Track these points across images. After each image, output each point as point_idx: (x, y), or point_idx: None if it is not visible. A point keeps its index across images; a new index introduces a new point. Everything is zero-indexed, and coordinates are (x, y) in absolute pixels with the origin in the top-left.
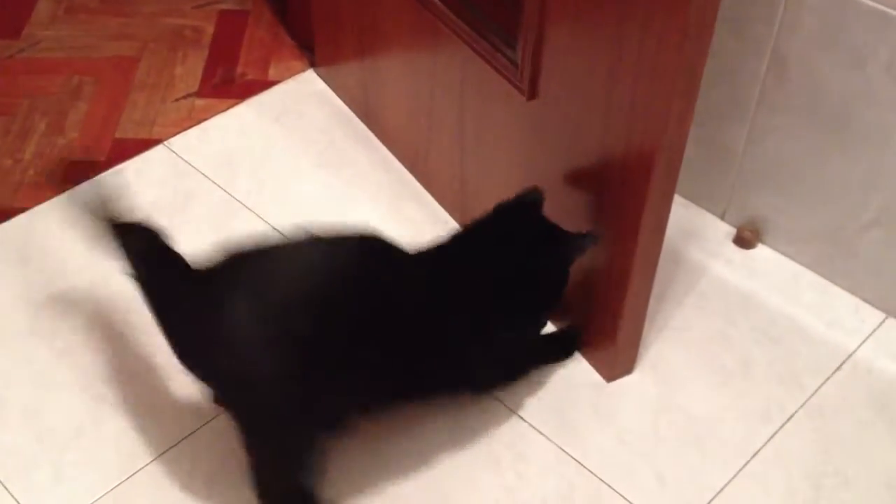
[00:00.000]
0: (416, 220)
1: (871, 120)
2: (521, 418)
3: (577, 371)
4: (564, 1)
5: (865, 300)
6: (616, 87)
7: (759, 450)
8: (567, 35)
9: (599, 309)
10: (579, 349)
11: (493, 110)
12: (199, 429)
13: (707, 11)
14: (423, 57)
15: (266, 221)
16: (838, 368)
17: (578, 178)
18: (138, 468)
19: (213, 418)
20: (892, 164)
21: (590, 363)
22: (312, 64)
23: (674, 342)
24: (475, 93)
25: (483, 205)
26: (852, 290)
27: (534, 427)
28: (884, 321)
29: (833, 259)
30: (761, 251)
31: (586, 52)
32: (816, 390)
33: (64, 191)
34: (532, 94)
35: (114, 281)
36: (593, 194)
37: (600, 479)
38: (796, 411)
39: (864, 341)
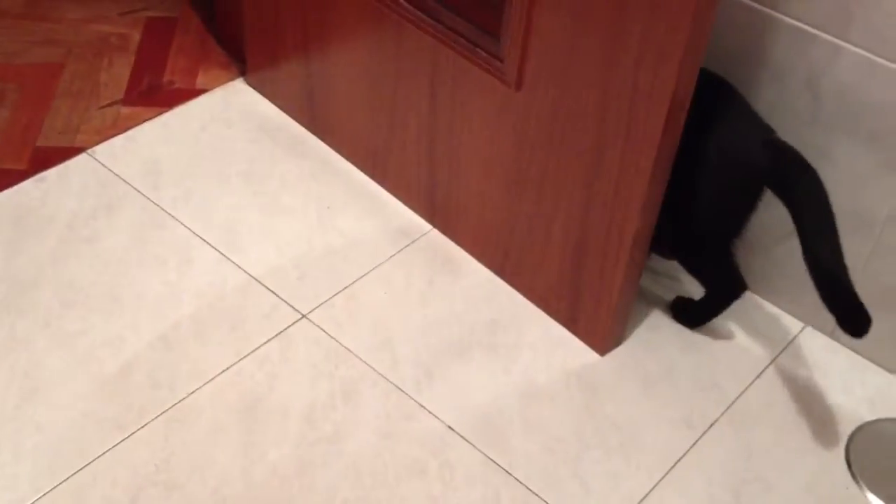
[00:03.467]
0: (345, 232)
1: (789, 134)
2: (448, 427)
3: (504, 379)
4: None
5: (784, 309)
6: (615, 73)
7: (681, 457)
8: (559, 22)
9: (591, 291)
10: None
11: (474, 104)
12: (121, 442)
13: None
14: (384, 56)
15: (192, 231)
16: (759, 376)
17: (570, 165)
18: (56, 484)
19: (134, 432)
20: None
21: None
22: (242, 72)
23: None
24: (449, 89)
25: (457, 199)
26: (772, 300)
27: (460, 435)
28: (802, 330)
29: (753, 268)
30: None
31: (580, 37)
32: (738, 397)
33: None
34: (519, 84)
35: (29, 293)
36: (587, 178)
37: (527, 488)
38: (718, 418)
39: (783, 349)
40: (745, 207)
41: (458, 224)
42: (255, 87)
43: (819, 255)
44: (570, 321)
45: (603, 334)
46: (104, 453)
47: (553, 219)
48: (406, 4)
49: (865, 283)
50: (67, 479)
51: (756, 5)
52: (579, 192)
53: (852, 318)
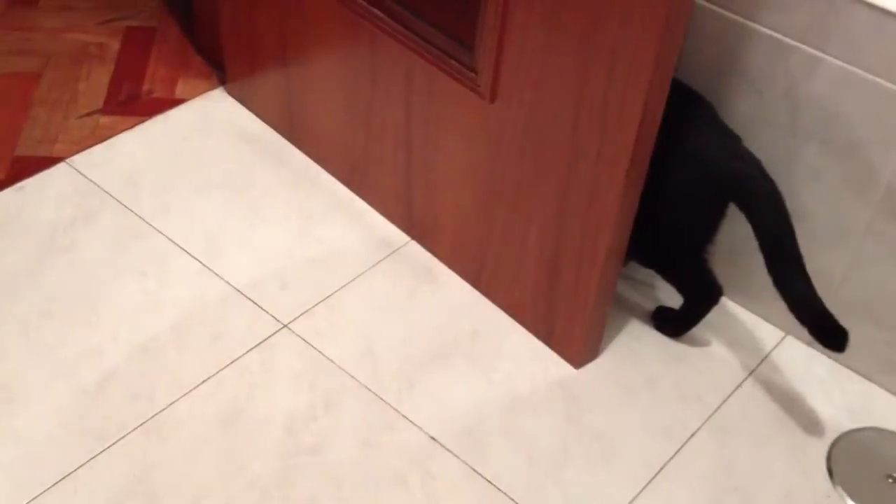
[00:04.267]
0: (326, 241)
1: (767, 144)
2: (430, 437)
3: (485, 389)
4: (528, 1)
5: (764, 318)
6: (587, 85)
7: (662, 466)
8: (532, 35)
9: (565, 304)
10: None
11: (449, 116)
12: (100, 453)
13: (684, 4)
14: (361, 67)
15: (172, 241)
16: (739, 386)
17: (544, 177)
18: (34, 496)
19: (114, 443)
20: (787, 187)
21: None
22: (222, 81)
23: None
24: (425, 100)
25: (433, 210)
26: (752, 309)
27: (442, 445)
28: (783, 339)
29: (733, 278)
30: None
31: (554, 50)
32: (718, 407)
33: None
34: (493, 97)
35: (7, 303)
36: (560, 190)
37: (510, 498)
38: (699, 428)
39: (763, 359)
40: (712, 218)
41: (435, 236)
42: (234, 97)
43: (786, 280)
44: (546, 334)
45: (578, 347)
46: (83, 465)
47: (527, 232)
48: (381, 15)
49: (844, 294)
50: (46, 490)
51: (734, 16)
52: (553, 206)
53: (830, 336)
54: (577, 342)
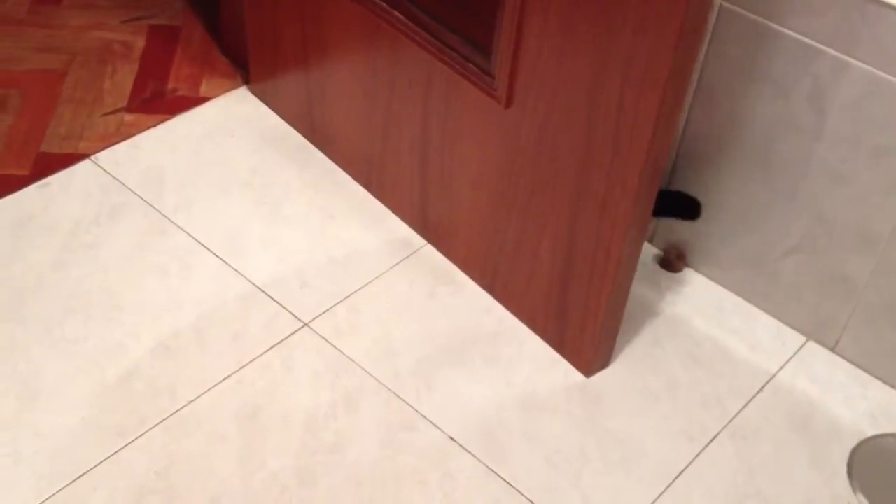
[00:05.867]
0: (347, 241)
1: (792, 149)
2: (450, 437)
3: (505, 391)
4: (545, 7)
5: (787, 323)
6: (601, 92)
7: (682, 471)
8: (548, 41)
9: (577, 313)
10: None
11: (466, 120)
12: (121, 449)
13: (701, 10)
14: (380, 69)
15: (195, 239)
16: (760, 390)
17: (558, 184)
18: (56, 491)
19: (134, 439)
20: (812, 193)
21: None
22: (245, 80)
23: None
24: (442, 103)
25: (448, 214)
26: (774, 314)
27: (461, 445)
28: (804, 344)
29: (756, 283)
30: (687, 275)
31: (569, 57)
32: (739, 412)
33: None
34: (509, 101)
35: (30, 299)
36: (573, 198)
37: (528, 499)
38: (719, 433)
39: (785, 364)
40: None
41: (450, 240)
42: (258, 96)
43: None
44: (558, 342)
45: (588, 357)
46: (104, 460)
47: (540, 238)
48: (402, 18)
49: (868, 299)
50: (67, 486)
51: (760, 19)
52: (566, 212)
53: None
54: (588, 352)
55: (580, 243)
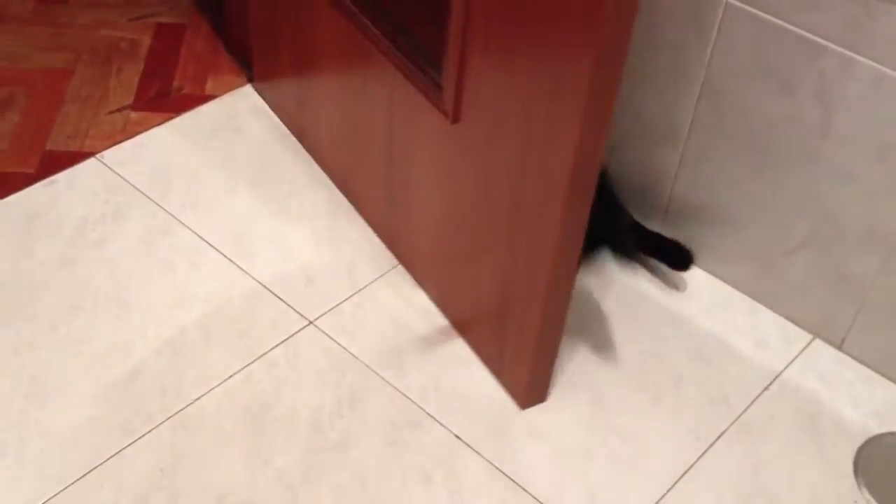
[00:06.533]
0: (352, 240)
1: (798, 146)
2: (455, 435)
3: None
4: (486, 27)
5: (793, 321)
6: (533, 112)
7: (688, 469)
8: (487, 59)
9: (514, 331)
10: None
11: (420, 133)
12: (127, 447)
13: (621, 42)
14: (355, 77)
15: (200, 237)
16: (766, 388)
17: (499, 201)
18: (61, 489)
19: (140, 437)
20: (818, 190)
21: (506, 389)
22: (250, 79)
23: (607, 361)
24: (403, 115)
25: (408, 226)
26: (781, 312)
27: (467, 444)
28: (811, 342)
29: (762, 281)
30: (692, 272)
31: (505, 76)
32: (745, 410)
33: None
34: (456, 117)
35: (37, 297)
36: (512, 216)
37: (533, 497)
38: (725, 430)
39: (791, 362)
40: None
41: (411, 254)
42: (260, 95)
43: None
44: (498, 371)
45: (523, 388)
46: (110, 458)
47: (483, 260)
48: (371, 27)
49: (874, 298)
50: (73, 483)
51: (766, 15)
52: (504, 233)
53: (676, 255)
54: (522, 382)
55: (517, 267)
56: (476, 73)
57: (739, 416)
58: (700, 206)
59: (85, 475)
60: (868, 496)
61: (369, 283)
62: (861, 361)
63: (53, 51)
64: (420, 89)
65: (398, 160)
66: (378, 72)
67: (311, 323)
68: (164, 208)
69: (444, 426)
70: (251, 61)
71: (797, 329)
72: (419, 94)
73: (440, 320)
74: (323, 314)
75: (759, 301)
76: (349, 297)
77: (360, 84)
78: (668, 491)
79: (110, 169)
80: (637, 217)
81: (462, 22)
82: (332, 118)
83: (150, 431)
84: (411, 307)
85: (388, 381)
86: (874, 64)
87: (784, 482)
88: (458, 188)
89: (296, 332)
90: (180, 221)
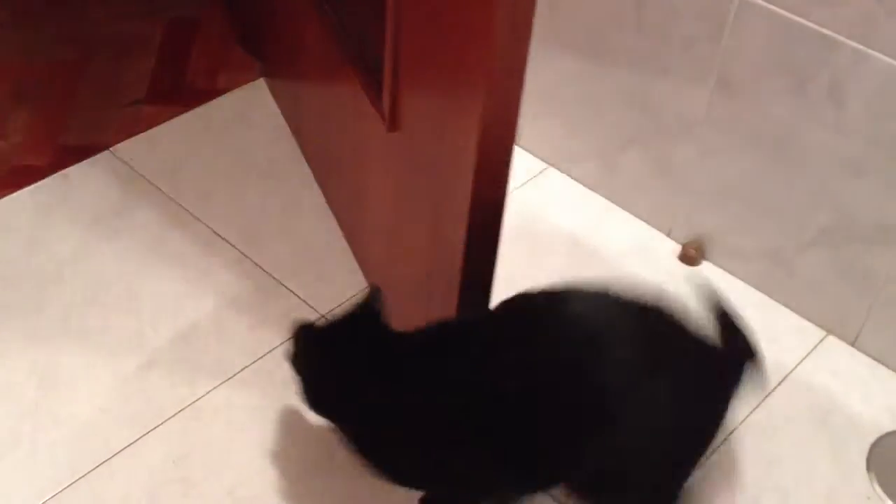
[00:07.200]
0: None
1: (811, 142)
2: None
3: None
4: (413, 44)
5: (806, 317)
6: (447, 121)
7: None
8: (416, 73)
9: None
10: None
11: (366, 136)
12: (139, 438)
13: (514, 71)
14: (324, 80)
15: (213, 230)
16: (779, 385)
17: (417, 224)
18: (74, 480)
19: (153, 429)
20: (831, 186)
21: None
22: (262, 73)
23: None
24: (353, 119)
25: (366, 234)
26: (794, 308)
27: None
28: (824, 339)
29: (775, 277)
30: (705, 268)
31: (430, 90)
32: (757, 406)
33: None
34: (392, 125)
35: (50, 289)
36: (432, 226)
37: (550, 495)
38: (737, 427)
39: (804, 358)
40: None
41: (366, 255)
42: (269, 89)
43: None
44: None
45: None
46: (122, 450)
47: (411, 265)
48: (338, 29)
49: (890, 293)
50: (86, 474)
51: (780, 10)
52: (425, 241)
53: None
54: None
55: (437, 272)
56: (408, 83)
57: (752, 412)
58: (713, 202)
59: (97, 466)
60: (881, 492)
61: None
62: (874, 358)
63: (67, 44)
64: (367, 92)
65: (347, 164)
66: (342, 76)
67: (323, 317)
68: (176, 201)
69: None
70: (263, 55)
71: (810, 325)
72: (367, 100)
73: None
74: (335, 307)
75: (771, 297)
76: (361, 290)
77: (328, 88)
78: None
79: (123, 162)
80: (652, 220)
81: (394, 33)
82: (312, 117)
83: (162, 423)
84: None
85: None
86: (889, 59)
87: (797, 478)
88: (392, 199)
89: None
90: (192, 214)
